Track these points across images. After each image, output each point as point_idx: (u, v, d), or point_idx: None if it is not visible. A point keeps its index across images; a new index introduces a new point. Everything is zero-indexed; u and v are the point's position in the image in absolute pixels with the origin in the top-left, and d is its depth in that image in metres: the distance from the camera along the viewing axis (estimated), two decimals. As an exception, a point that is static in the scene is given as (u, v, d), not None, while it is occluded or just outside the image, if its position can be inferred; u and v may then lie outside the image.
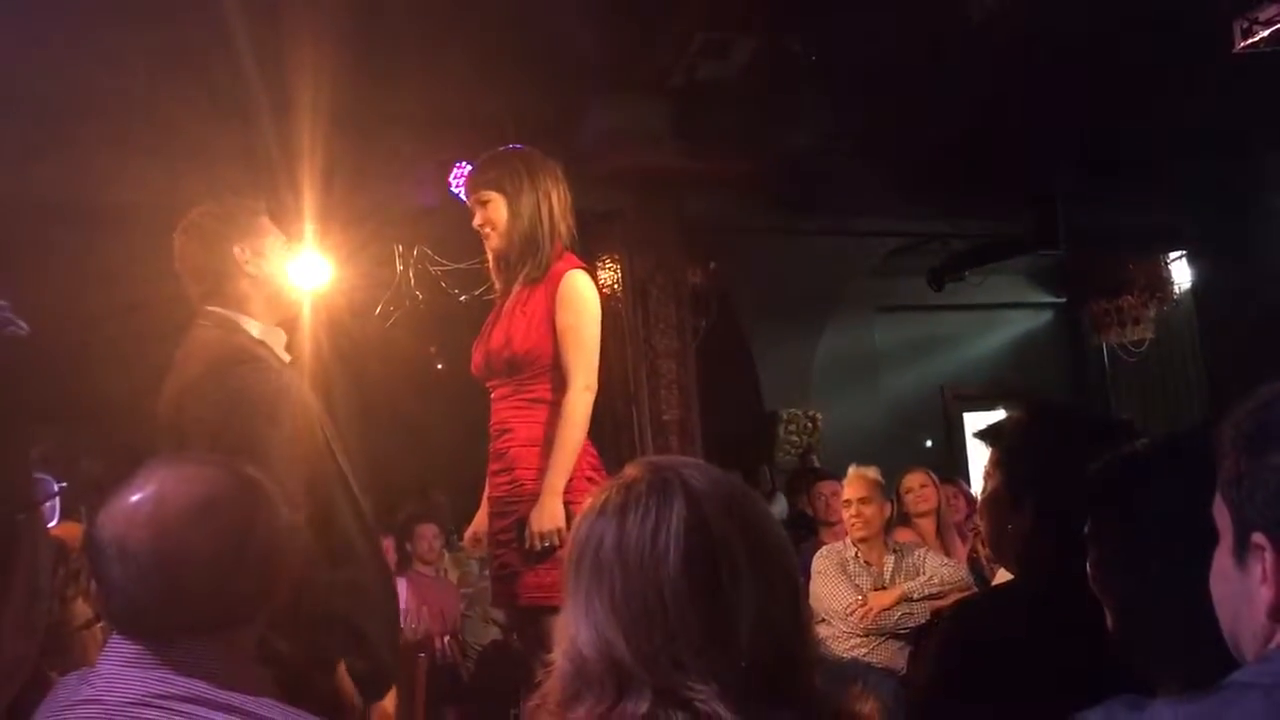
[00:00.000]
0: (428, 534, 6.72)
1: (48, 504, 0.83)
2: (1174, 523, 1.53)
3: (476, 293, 5.96)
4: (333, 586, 2.64)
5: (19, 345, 0.89)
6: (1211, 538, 1.19)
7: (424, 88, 5.76)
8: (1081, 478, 1.75)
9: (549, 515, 3.17)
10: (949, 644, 2.07)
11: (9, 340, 0.87)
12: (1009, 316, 10.86)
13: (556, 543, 3.14)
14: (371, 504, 3.01)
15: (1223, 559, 1.15)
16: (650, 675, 1.27)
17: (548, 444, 3.28)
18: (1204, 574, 1.24)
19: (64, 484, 0.90)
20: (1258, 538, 1.07)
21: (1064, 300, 10.88)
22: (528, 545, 3.20)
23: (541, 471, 3.25)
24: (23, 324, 0.90)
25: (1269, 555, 1.06)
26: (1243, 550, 1.10)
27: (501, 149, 3.61)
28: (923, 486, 5.78)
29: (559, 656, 1.36)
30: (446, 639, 6.00)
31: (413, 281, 6.92)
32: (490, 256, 3.51)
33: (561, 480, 3.20)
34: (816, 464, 8.36)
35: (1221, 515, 1.14)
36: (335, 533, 2.74)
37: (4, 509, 0.76)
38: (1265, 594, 1.07)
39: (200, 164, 5.12)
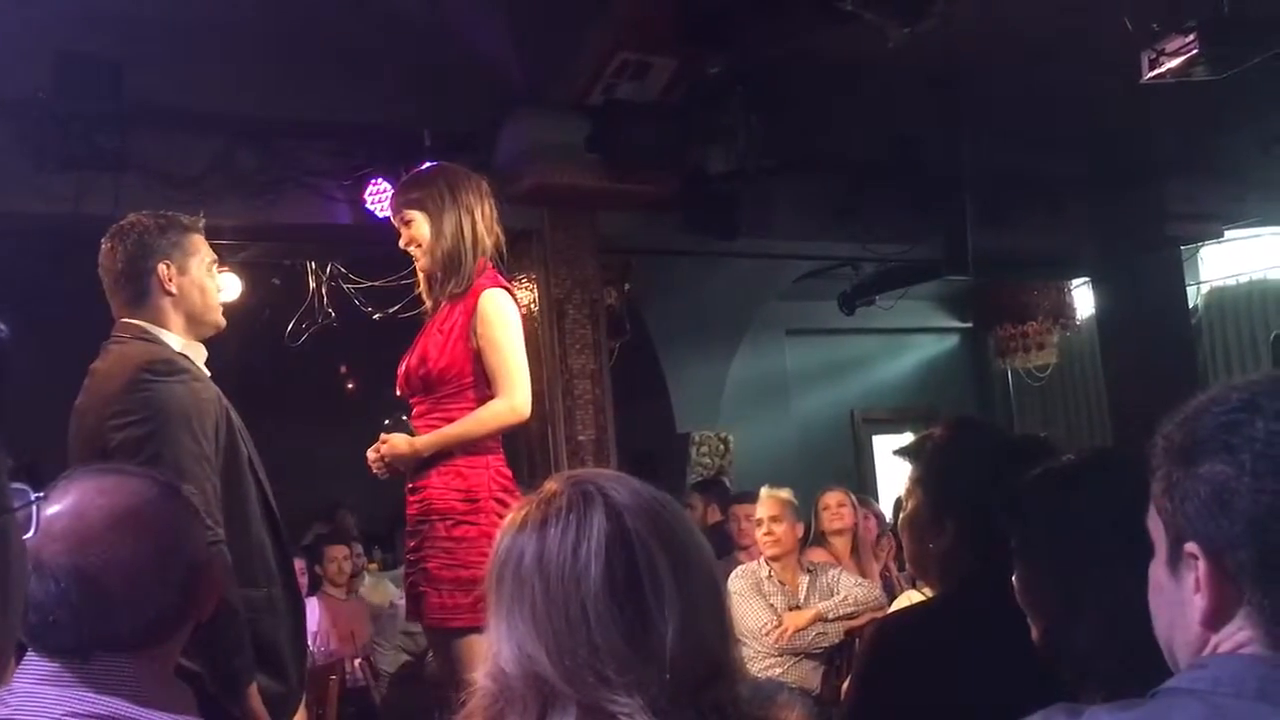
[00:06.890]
0: (337, 555, 6.64)
1: (21, 514, 0.78)
2: (1099, 536, 1.57)
3: (391, 311, 5.89)
4: (251, 605, 2.59)
5: None
6: (1135, 549, 1.21)
7: (339, 102, 5.70)
8: (1001, 494, 1.77)
9: (397, 445, 3.23)
10: (876, 661, 2.08)
11: None
12: (917, 340, 11.03)
13: (380, 468, 3.27)
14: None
15: (1157, 570, 1.17)
16: (574, 690, 1.25)
17: (458, 464, 3.25)
18: (1129, 584, 1.26)
19: (40, 495, 0.85)
20: (1190, 547, 1.09)
21: (970, 325, 11.09)
22: (371, 456, 3.28)
23: (450, 490, 3.21)
24: (2, 325, 0.86)
25: (1202, 564, 1.08)
26: (1176, 560, 1.12)
27: (424, 167, 3.59)
28: (840, 505, 5.85)
29: (481, 675, 1.34)
30: (358, 661, 5.91)
31: (325, 299, 6.82)
32: (420, 276, 3.49)
33: (431, 448, 3.21)
34: (729, 485, 8.37)
35: (1155, 526, 1.16)
36: (254, 550, 2.69)
37: None
38: (1199, 603, 1.08)
39: (109, 175, 4.99)
